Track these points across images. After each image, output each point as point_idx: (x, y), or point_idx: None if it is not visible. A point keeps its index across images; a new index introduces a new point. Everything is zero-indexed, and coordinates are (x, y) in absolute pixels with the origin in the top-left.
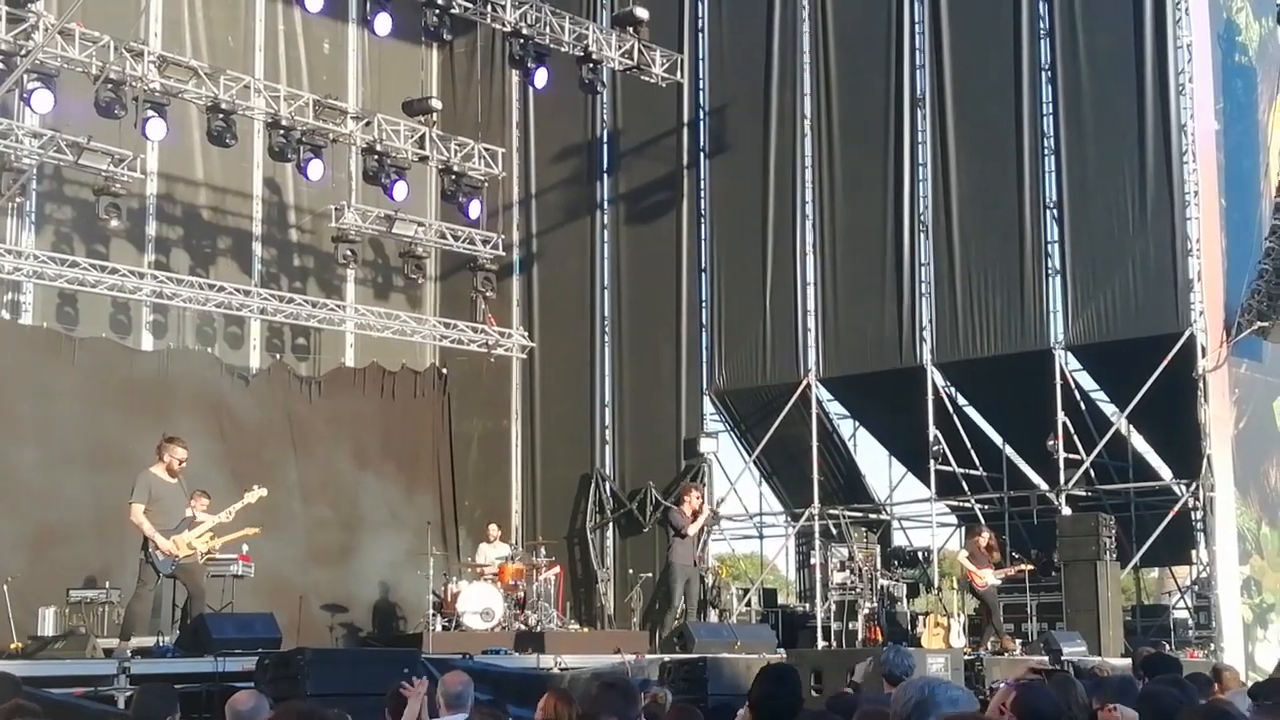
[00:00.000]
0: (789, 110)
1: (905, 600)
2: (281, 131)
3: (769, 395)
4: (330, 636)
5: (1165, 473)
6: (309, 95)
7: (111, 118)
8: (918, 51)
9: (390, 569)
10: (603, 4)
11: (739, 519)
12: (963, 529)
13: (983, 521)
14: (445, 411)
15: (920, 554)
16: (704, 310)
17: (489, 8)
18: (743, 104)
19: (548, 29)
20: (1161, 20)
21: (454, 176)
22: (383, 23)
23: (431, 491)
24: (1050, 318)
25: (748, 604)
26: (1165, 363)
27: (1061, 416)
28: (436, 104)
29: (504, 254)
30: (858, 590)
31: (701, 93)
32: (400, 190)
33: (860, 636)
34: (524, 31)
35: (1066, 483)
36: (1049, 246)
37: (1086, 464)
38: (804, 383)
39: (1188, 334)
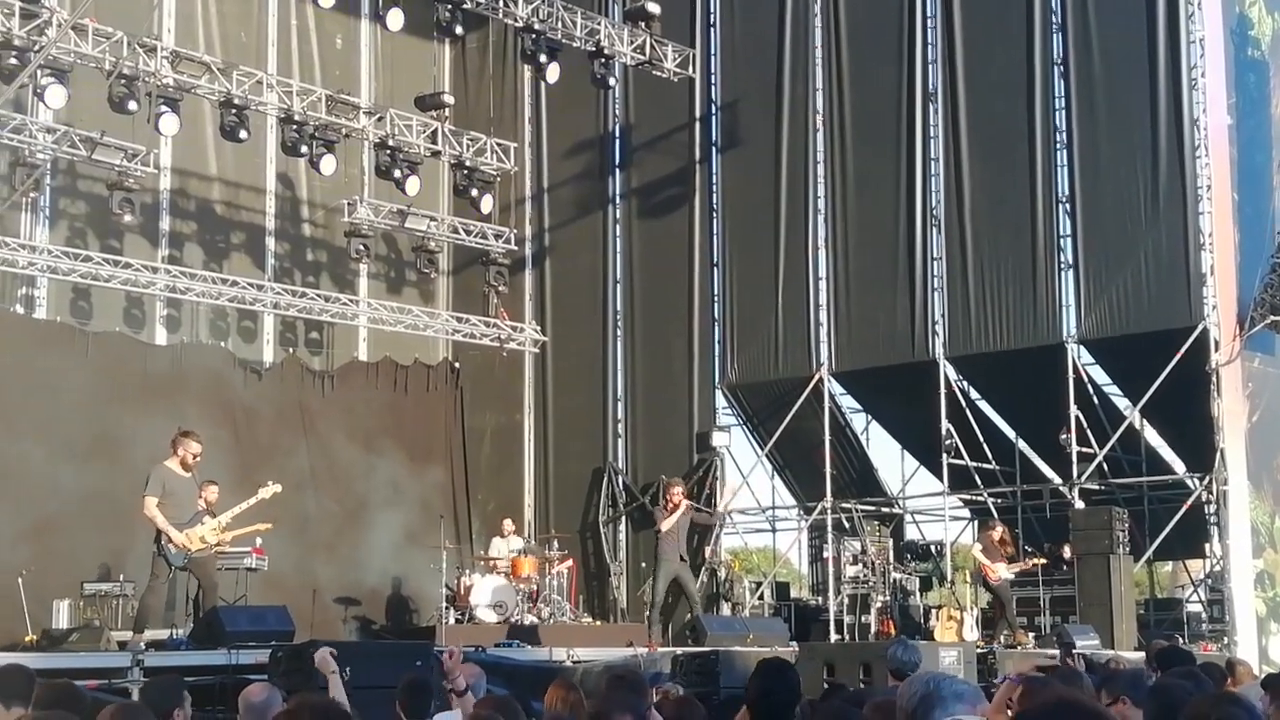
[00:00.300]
0: (801, 105)
1: (918, 594)
2: (294, 126)
3: (781, 389)
4: (343, 629)
5: (1178, 466)
6: (321, 90)
7: (125, 113)
8: (930, 46)
9: (403, 562)
10: None
11: (751, 512)
12: (975, 523)
13: (995, 515)
14: (458, 405)
15: (933, 547)
16: (716, 304)
17: (501, 3)
18: (754, 99)
19: (559, 24)
20: (1174, 14)
21: (466, 171)
22: (395, 18)
23: (444, 485)
24: (1063, 311)
25: (760, 597)
26: (1178, 357)
27: (1074, 410)
28: (449, 99)
29: (516, 248)
30: (870, 584)
31: (713, 87)
32: (413, 185)
33: (873, 630)
34: (536, 26)
35: (1079, 476)
36: (1061, 240)
37: (1099, 458)
38: (816, 376)
39: (1200, 328)
